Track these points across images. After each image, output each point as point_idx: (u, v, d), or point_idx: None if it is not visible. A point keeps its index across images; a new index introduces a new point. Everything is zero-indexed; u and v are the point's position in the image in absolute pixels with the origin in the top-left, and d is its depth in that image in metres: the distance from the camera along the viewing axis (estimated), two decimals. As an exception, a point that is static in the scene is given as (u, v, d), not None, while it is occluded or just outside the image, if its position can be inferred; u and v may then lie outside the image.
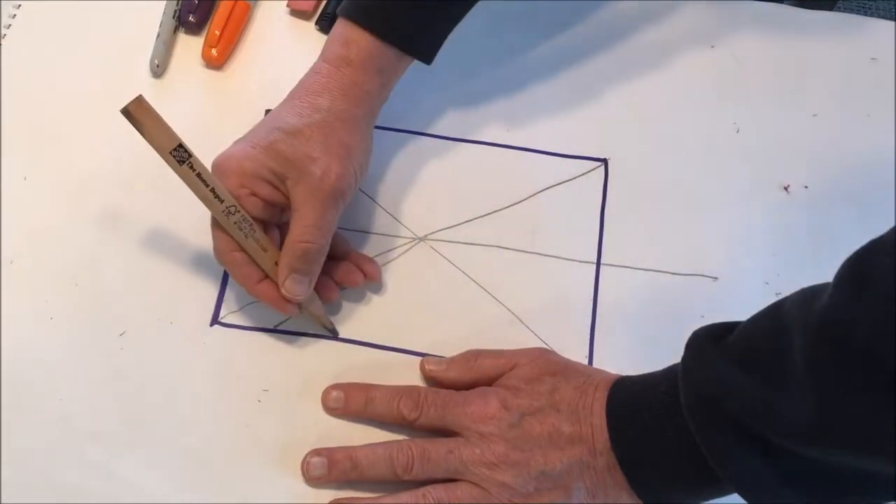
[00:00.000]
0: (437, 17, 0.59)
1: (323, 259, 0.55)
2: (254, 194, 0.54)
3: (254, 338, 0.57)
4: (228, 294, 0.59)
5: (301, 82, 0.58)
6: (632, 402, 0.50)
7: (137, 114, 0.50)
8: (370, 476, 0.52)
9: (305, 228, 0.53)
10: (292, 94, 0.57)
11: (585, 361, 0.58)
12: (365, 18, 0.56)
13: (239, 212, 0.53)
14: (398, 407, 0.53)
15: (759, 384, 0.44)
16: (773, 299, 0.59)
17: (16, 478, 0.52)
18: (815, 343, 0.42)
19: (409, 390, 0.54)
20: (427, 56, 0.59)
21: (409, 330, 0.58)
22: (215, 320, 0.58)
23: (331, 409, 0.55)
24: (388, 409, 0.54)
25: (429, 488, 0.51)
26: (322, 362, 0.57)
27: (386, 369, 0.56)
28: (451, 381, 0.55)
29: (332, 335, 0.58)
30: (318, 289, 0.56)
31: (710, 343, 0.48)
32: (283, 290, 0.54)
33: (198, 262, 0.60)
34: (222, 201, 0.53)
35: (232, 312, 0.58)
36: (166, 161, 0.51)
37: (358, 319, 0.58)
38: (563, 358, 0.55)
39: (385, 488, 0.52)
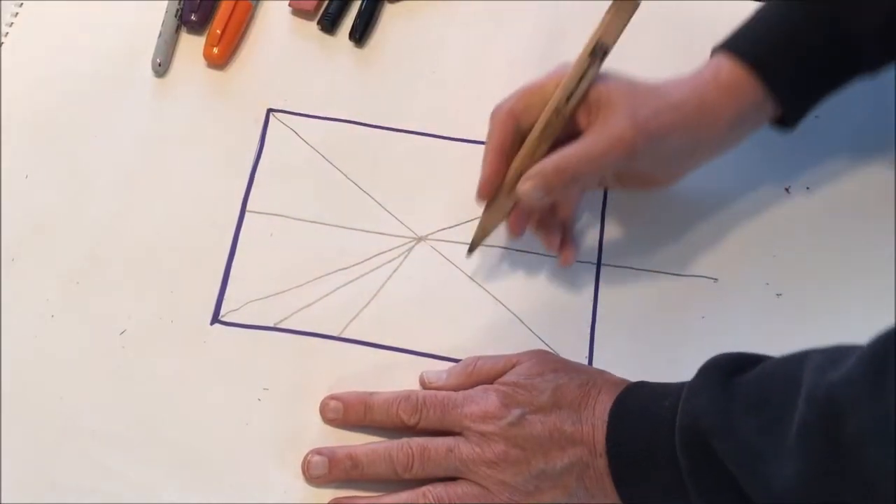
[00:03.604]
0: (825, 78, 0.57)
1: (564, 192, 0.55)
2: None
3: (254, 336, 0.57)
4: (229, 292, 0.59)
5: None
6: (636, 408, 0.50)
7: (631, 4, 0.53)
8: (370, 475, 0.52)
9: (579, 152, 0.53)
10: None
11: (586, 362, 0.58)
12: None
13: (561, 112, 0.54)
14: (397, 413, 0.53)
15: (753, 431, 0.43)
16: (773, 300, 0.59)
17: (16, 477, 0.52)
18: (815, 415, 0.41)
19: (407, 395, 0.54)
20: (792, 121, 0.58)
21: (409, 330, 0.58)
22: (216, 319, 0.58)
23: (329, 420, 0.54)
24: (387, 416, 0.53)
25: (428, 487, 0.51)
26: (322, 361, 0.57)
27: (386, 369, 0.57)
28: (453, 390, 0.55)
29: (468, 252, 0.58)
30: (515, 220, 0.58)
31: (723, 375, 0.47)
32: (521, 185, 0.54)
33: (198, 261, 0.60)
34: (567, 101, 0.54)
35: (232, 311, 0.58)
36: (586, 49, 0.53)
37: (358, 319, 0.59)
38: (563, 357, 0.55)
39: (386, 487, 0.52)
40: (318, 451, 0.53)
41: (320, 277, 0.60)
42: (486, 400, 0.52)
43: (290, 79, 0.67)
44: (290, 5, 0.70)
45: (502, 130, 0.55)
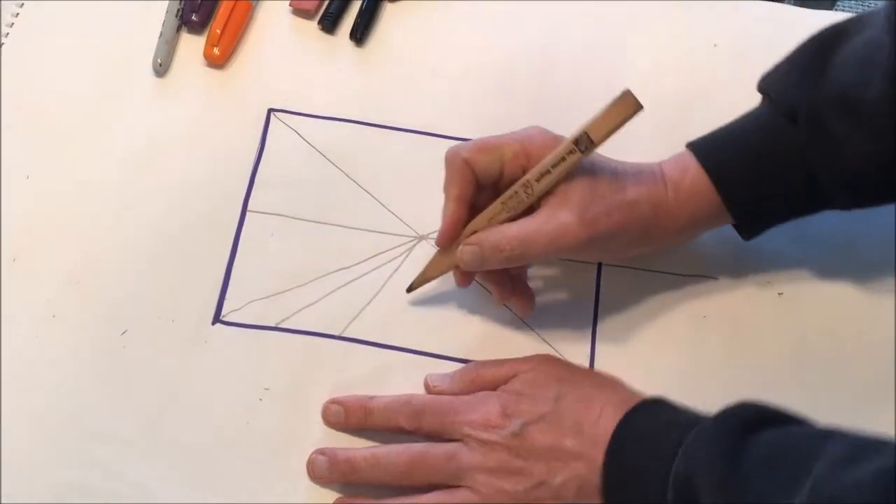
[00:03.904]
0: (787, 208, 0.56)
1: (502, 267, 0.55)
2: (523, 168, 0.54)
3: (255, 336, 0.57)
4: (230, 292, 0.59)
5: (635, 163, 0.56)
6: (641, 434, 0.49)
7: (632, 108, 0.50)
8: (369, 479, 0.52)
9: (519, 235, 0.52)
10: (622, 161, 0.56)
11: (587, 362, 0.58)
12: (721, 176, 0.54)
13: (530, 188, 0.53)
14: (397, 418, 0.53)
15: (751, 498, 0.43)
16: (774, 299, 0.59)
17: (16, 477, 0.52)
18: None
19: (407, 400, 0.53)
20: (747, 236, 0.57)
21: (410, 329, 0.58)
22: (217, 318, 0.58)
23: (331, 424, 0.54)
24: (387, 421, 0.53)
25: (430, 495, 0.50)
26: (324, 361, 0.57)
27: (388, 368, 0.57)
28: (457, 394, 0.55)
29: (407, 289, 0.57)
30: (461, 274, 0.57)
31: (738, 428, 0.45)
32: (460, 248, 0.54)
33: (200, 261, 0.60)
34: (539, 179, 0.52)
35: (234, 311, 0.58)
36: (573, 140, 0.51)
37: (360, 318, 0.58)
38: (567, 363, 0.55)
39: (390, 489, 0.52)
40: (321, 452, 0.53)
41: (321, 277, 0.60)
42: (486, 408, 0.51)
43: (291, 79, 0.67)
44: (290, 5, 0.70)
45: (462, 180, 0.54)
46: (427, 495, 0.51)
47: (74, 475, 0.53)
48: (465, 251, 0.54)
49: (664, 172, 0.55)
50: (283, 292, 0.59)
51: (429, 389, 0.55)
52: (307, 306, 0.59)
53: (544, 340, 0.58)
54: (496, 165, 0.54)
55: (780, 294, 0.60)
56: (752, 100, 0.67)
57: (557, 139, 0.54)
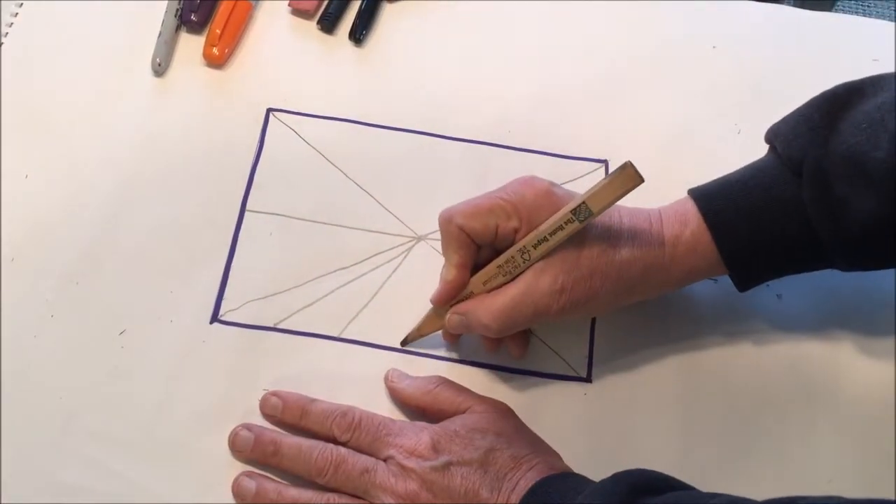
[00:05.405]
0: (785, 264, 0.55)
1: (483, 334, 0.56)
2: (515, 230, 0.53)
3: (253, 336, 0.57)
4: (228, 292, 0.59)
5: (636, 212, 0.55)
6: (551, 494, 0.48)
7: (632, 181, 0.50)
8: (288, 468, 0.52)
9: (504, 310, 0.53)
10: (621, 209, 0.54)
11: (586, 362, 0.58)
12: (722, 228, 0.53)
13: (527, 253, 0.52)
14: (331, 426, 0.53)
15: None
16: (772, 300, 0.59)
17: (16, 477, 0.52)
18: None
19: (345, 411, 0.53)
20: (743, 285, 0.56)
21: (407, 331, 0.58)
22: (215, 318, 0.58)
23: (266, 416, 0.54)
24: (321, 427, 0.53)
25: (335, 497, 0.51)
26: (322, 361, 0.57)
27: (385, 369, 0.56)
28: (405, 398, 0.55)
29: (400, 345, 0.58)
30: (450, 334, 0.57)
31: (631, 491, 0.46)
32: (448, 315, 0.55)
33: (198, 260, 0.60)
34: (536, 247, 0.52)
35: (232, 310, 0.58)
36: (571, 210, 0.51)
37: (358, 319, 0.59)
38: (519, 423, 0.54)
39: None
40: (247, 427, 0.53)
41: (320, 277, 0.60)
42: (418, 437, 0.51)
43: (290, 79, 0.67)
44: (289, 5, 0.70)
45: (462, 248, 0.54)
46: (333, 496, 0.51)
47: (74, 475, 0.53)
48: (453, 320, 0.55)
49: (664, 227, 0.54)
50: (281, 292, 0.59)
51: (387, 380, 0.56)
52: (305, 307, 0.59)
53: (542, 340, 0.58)
54: (491, 229, 0.53)
55: (778, 296, 0.60)
56: (751, 101, 0.68)
57: (549, 192, 0.53)
